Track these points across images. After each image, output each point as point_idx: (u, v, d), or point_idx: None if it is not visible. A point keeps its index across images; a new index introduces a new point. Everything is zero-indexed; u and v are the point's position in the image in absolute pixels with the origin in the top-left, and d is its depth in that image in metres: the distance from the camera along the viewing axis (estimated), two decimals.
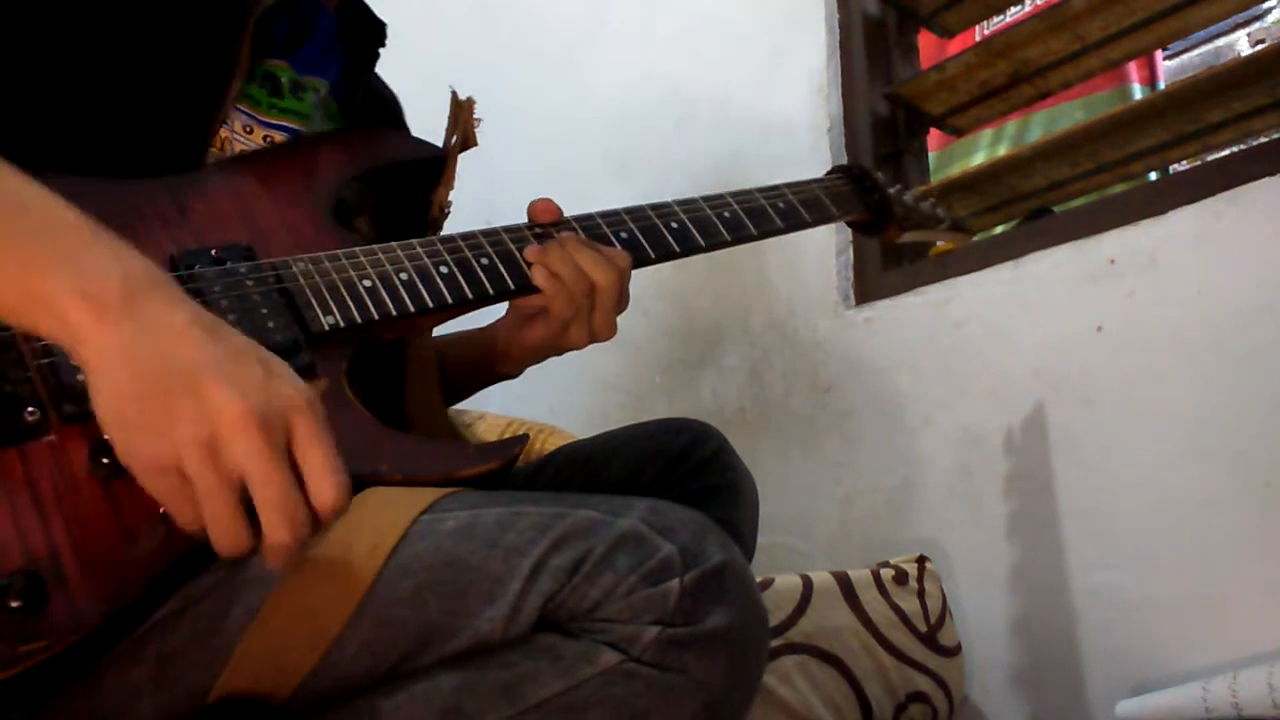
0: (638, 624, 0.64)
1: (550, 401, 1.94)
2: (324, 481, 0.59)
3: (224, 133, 0.88)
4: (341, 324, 0.78)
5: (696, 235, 0.97)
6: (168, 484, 0.58)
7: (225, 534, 0.58)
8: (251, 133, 0.91)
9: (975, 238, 1.67)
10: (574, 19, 2.21)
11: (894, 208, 1.16)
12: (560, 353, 0.96)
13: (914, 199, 1.21)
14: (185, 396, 0.57)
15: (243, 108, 0.90)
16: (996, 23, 2.12)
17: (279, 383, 0.59)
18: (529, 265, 0.88)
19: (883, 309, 1.61)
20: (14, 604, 0.60)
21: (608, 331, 0.92)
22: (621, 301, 0.92)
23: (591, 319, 0.90)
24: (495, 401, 1.59)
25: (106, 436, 0.59)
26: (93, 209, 0.64)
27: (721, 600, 0.65)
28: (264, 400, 0.58)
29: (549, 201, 0.94)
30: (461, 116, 0.98)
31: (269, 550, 0.59)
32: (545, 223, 0.93)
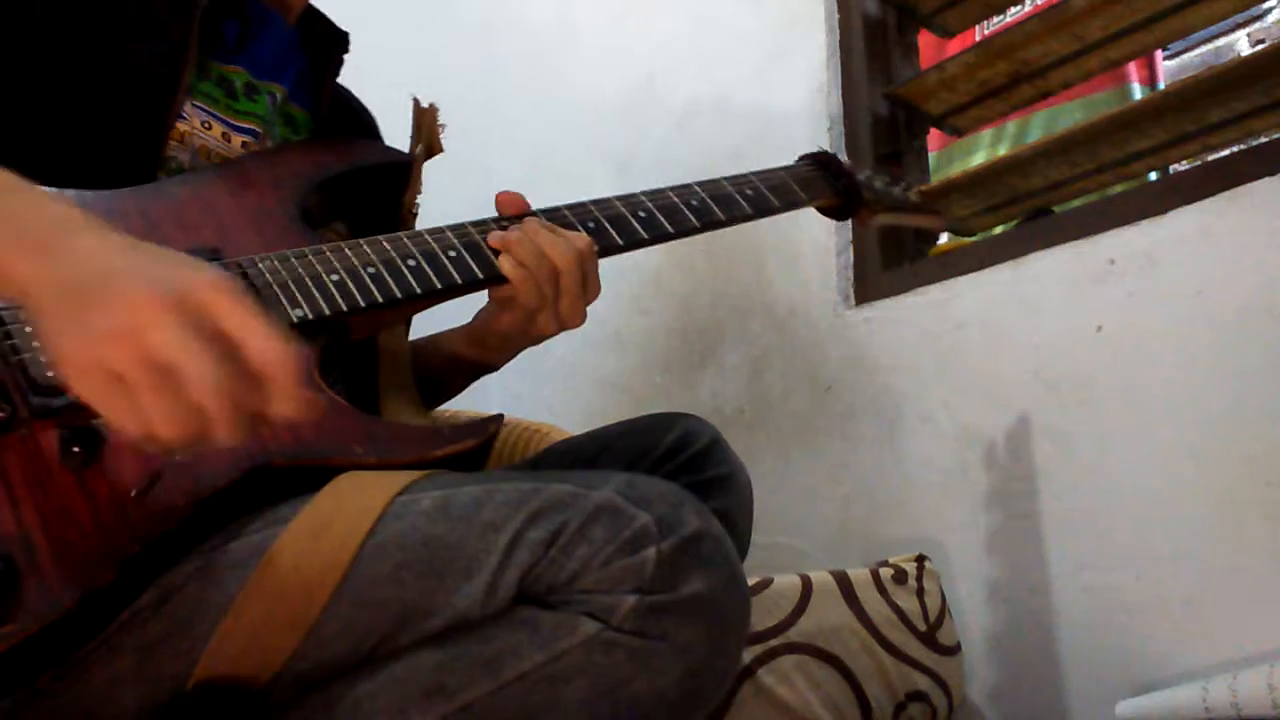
0: (616, 593, 0.64)
1: (550, 401, 1.94)
2: (258, 344, 0.58)
3: (184, 127, 0.89)
4: (310, 316, 0.78)
5: (664, 222, 0.98)
6: (97, 385, 0.58)
7: (166, 423, 0.58)
8: (210, 128, 0.92)
9: (975, 237, 1.67)
10: (574, 20, 2.22)
11: (862, 192, 1.17)
12: (534, 341, 0.97)
13: (884, 184, 1.23)
14: (101, 297, 0.58)
15: (201, 104, 0.91)
16: (996, 23, 2.12)
17: (192, 271, 0.60)
18: (495, 254, 0.89)
19: (883, 309, 1.61)
20: None
21: (576, 318, 0.92)
22: (588, 287, 0.92)
23: (558, 304, 0.90)
24: (494, 401, 1.59)
25: (48, 362, 0.62)
26: None
27: (699, 567, 0.66)
28: (177, 287, 0.58)
29: (514, 194, 0.95)
30: (424, 123, 1.00)
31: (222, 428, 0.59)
32: (512, 215, 0.94)
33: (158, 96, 0.87)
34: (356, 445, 0.75)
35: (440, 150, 1.02)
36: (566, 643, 0.64)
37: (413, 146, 1.01)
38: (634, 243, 0.96)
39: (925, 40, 1.85)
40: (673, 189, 1.02)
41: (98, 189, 0.81)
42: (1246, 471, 1.19)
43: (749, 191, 1.06)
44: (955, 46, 1.95)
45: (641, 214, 0.98)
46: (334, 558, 0.66)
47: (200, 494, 0.68)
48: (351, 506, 0.69)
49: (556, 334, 0.93)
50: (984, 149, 2.16)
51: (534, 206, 0.97)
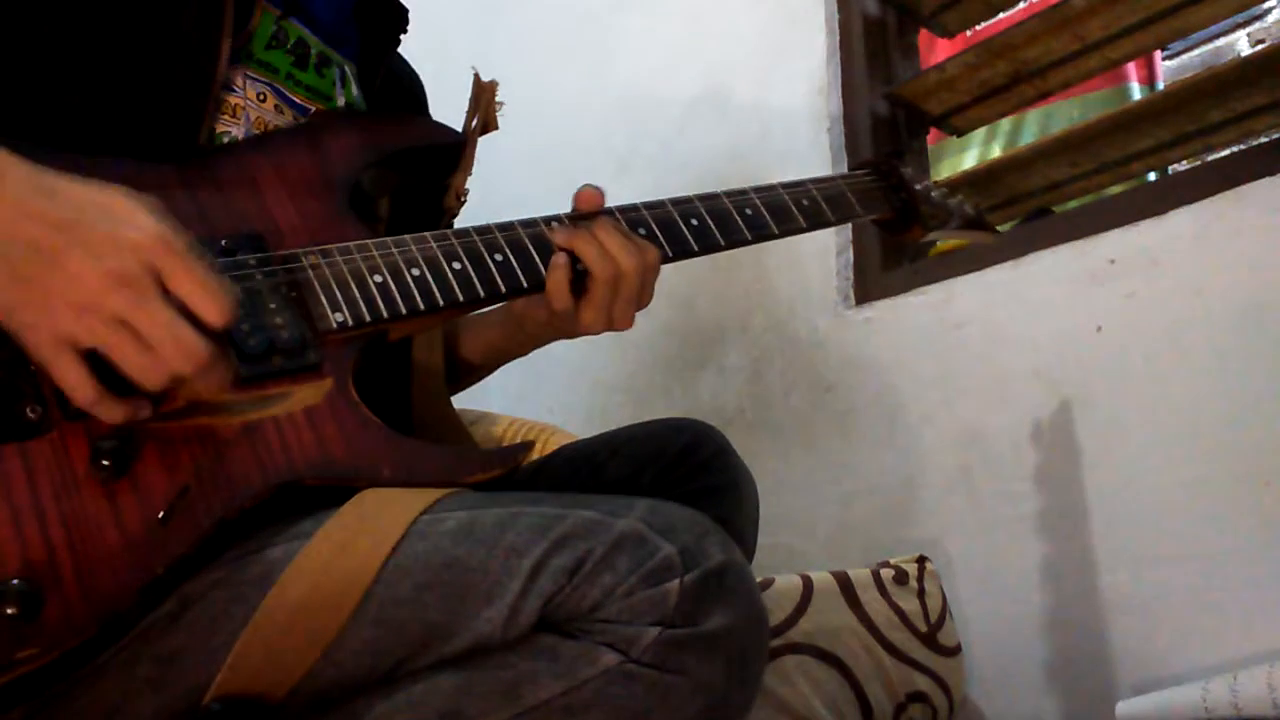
0: (638, 625, 0.63)
1: (550, 401, 1.94)
2: (203, 303, 0.63)
3: (236, 100, 0.87)
4: (350, 322, 0.77)
5: (716, 233, 0.94)
6: (69, 359, 0.62)
7: (143, 371, 0.63)
8: (265, 100, 0.89)
9: None
10: (573, 19, 2.21)
11: (920, 206, 1.12)
12: (573, 335, 0.94)
13: (941, 195, 1.17)
14: (47, 273, 0.61)
15: (258, 75, 0.89)
16: (993, 22, 2.12)
17: (127, 230, 0.62)
18: (544, 260, 0.86)
19: (883, 309, 1.61)
20: (10, 610, 0.60)
21: (625, 322, 0.90)
22: (644, 294, 0.89)
23: (612, 307, 0.88)
24: (495, 401, 1.59)
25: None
26: None
27: (722, 601, 0.65)
28: (117, 255, 0.61)
29: (593, 190, 0.91)
30: (483, 99, 0.96)
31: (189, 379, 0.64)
32: (572, 214, 0.91)
33: (198, 56, 0.83)
34: (385, 467, 0.74)
35: (496, 128, 0.97)
36: (586, 673, 0.64)
37: (468, 123, 0.97)
38: (682, 253, 0.93)
39: (923, 40, 1.86)
40: (728, 194, 0.97)
41: (140, 158, 0.79)
42: (1246, 471, 1.20)
43: (805, 202, 1.01)
44: (949, 47, 1.95)
45: (694, 222, 0.94)
46: (356, 575, 0.66)
47: (228, 514, 0.67)
48: (375, 523, 0.68)
49: (600, 333, 0.91)
50: (977, 146, 2.16)
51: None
